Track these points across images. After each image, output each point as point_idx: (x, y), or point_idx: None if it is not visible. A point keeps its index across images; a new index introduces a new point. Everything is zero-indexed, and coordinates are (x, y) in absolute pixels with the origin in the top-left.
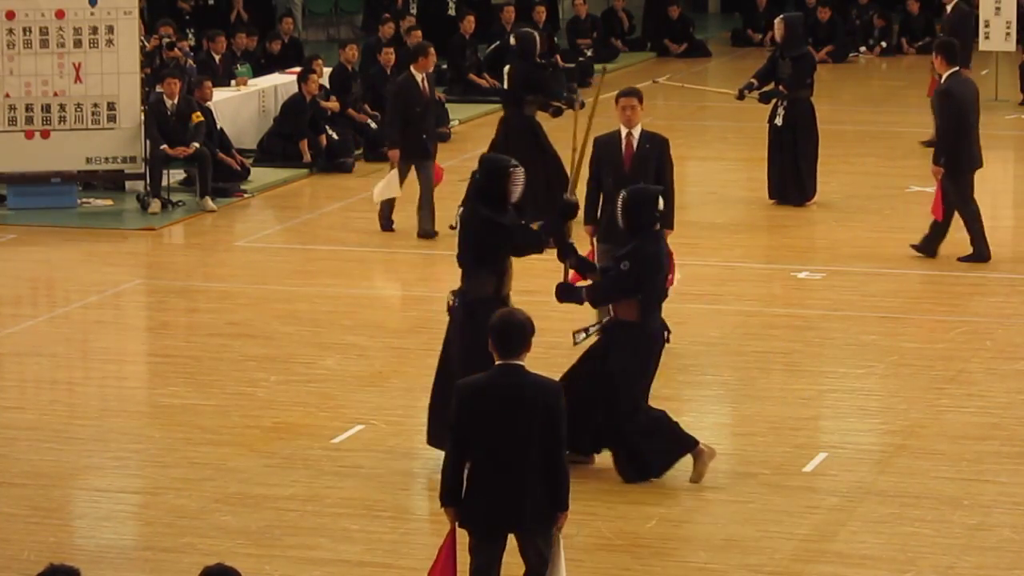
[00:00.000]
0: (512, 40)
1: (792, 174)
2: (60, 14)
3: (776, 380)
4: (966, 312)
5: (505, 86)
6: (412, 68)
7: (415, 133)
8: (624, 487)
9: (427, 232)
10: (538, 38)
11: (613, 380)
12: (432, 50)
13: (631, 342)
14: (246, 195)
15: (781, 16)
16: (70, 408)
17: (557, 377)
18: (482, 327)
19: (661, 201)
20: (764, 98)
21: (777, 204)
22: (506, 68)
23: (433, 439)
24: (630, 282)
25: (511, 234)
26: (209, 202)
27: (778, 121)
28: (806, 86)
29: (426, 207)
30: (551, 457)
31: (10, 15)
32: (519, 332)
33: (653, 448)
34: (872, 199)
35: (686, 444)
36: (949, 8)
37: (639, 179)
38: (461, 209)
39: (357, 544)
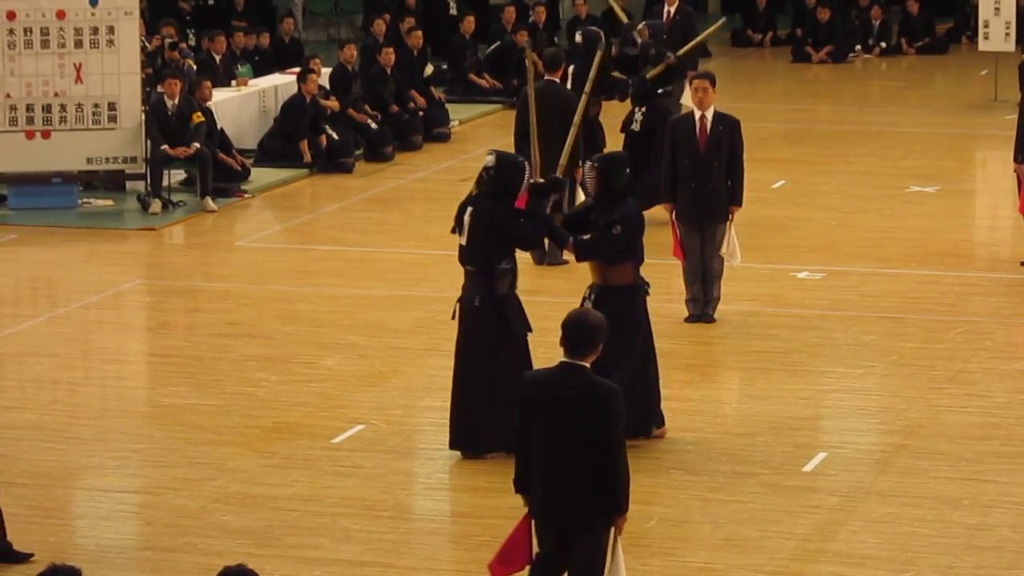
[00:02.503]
0: (578, 38)
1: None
2: (61, 14)
3: (776, 380)
4: (965, 312)
5: (568, 87)
6: (552, 76)
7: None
8: None
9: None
10: (603, 37)
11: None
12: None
13: (628, 302)
14: (246, 195)
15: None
16: (71, 408)
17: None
18: (508, 321)
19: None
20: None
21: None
22: (570, 68)
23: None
24: (620, 244)
25: (524, 225)
26: (209, 202)
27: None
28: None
29: None
30: (605, 459)
31: (11, 15)
32: (589, 333)
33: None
34: (872, 199)
35: (644, 429)
36: (673, 10)
37: (714, 160)
38: (470, 208)
39: (357, 544)
